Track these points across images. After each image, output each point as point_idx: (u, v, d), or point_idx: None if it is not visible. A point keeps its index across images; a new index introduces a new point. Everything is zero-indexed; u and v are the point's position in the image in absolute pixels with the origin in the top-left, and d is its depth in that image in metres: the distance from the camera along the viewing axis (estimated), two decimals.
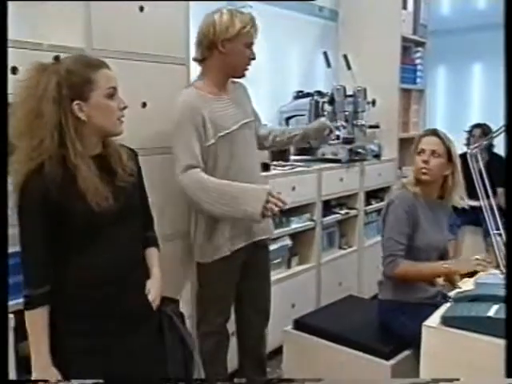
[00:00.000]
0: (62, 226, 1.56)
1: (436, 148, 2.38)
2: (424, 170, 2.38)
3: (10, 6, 1.79)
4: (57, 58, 1.58)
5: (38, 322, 1.58)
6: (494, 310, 1.53)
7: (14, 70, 1.78)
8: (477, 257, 2.12)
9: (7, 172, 1.50)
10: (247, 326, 2.49)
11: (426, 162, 2.37)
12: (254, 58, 2.27)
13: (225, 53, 2.18)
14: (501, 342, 1.45)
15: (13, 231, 1.54)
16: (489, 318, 1.51)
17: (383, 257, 2.35)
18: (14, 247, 1.61)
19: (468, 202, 2.48)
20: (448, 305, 1.69)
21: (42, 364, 1.59)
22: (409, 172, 2.60)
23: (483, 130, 4.42)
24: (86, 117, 1.56)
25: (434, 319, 1.63)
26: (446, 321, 1.58)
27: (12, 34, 1.99)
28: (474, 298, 1.63)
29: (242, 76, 2.31)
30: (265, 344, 2.58)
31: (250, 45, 2.24)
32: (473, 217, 3.64)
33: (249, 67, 2.29)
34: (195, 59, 2.27)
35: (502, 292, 1.59)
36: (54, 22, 1.98)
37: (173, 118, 2.14)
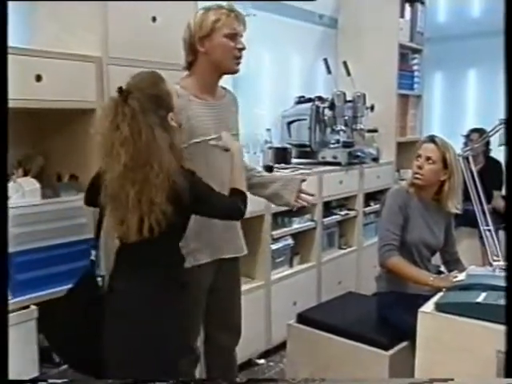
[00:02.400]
0: None
1: (431, 155, 2.47)
2: (417, 175, 2.49)
3: (34, 18, 1.92)
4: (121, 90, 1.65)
5: None
6: (482, 297, 1.65)
7: (39, 78, 1.91)
8: (456, 275, 2.17)
9: (7, 172, 1.59)
10: (216, 345, 2.26)
11: (419, 167, 2.48)
12: (243, 48, 2.05)
13: (206, 52, 2.02)
14: (488, 325, 1.59)
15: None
16: (477, 303, 1.63)
17: (379, 247, 2.46)
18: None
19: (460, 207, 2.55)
20: (441, 293, 1.81)
21: None
22: (407, 174, 2.70)
23: (480, 134, 4.48)
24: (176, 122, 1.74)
25: (429, 306, 1.75)
26: (440, 307, 1.71)
27: (36, 44, 2.15)
28: (464, 287, 1.76)
29: (235, 71, 2.09)
30: (235, 363, 2.35)
31: (232, 35, 2.02)
32: (469, 218, 3.72)
33: (239, 60, 2.06)
34: (183, 67, 2.11)
35: (489, 281, 1.72)
36: (73, 32, 2.11)
37: None
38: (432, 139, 2.52)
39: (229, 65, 2.05)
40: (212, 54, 2.02)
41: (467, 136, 4.45)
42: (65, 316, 1.85)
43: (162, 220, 1.62)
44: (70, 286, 1.93)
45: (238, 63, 2.07)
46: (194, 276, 1.97)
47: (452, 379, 1.50)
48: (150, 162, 1.59)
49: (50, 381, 2.08)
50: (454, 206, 2.52)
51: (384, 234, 2.46)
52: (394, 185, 2.66)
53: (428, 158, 2.47)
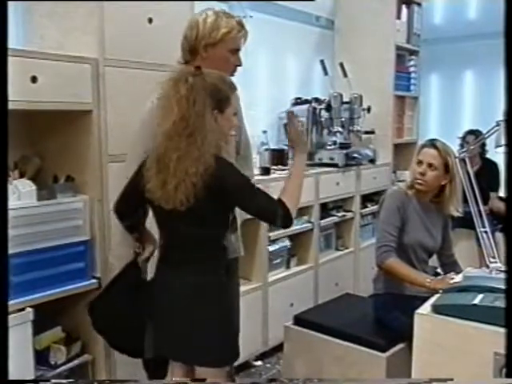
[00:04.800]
0: None
1: (433, 161, 2.45)
2: (420, 181, 2.48)
3: (31, 19, 1.92)
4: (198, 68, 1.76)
5: None
6: (479, 299, 1.65)
7: (35, 80, 1.90)
8: (453, 276, 2.18)
9: (8, 173, 1.60)
10: None
11: (422, 174, 2.47)
12: (239, 65, 2.10)
13: (206, 58, 2.02)
14: (485, 327, 1.59)
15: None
16: (474, 305, 1.63)
17: (376, 248, 2.45)
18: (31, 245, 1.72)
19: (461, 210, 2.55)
20: (438, 295, 1.81)
21: None
22: (403, 176, 2.69)
23: (476, 136, 4.49)
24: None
25: (426, 307, 1.75)
26: (436, 308, 1.71)
27: (32, 45, 2.14)
28: (461, 289, 1.76)
29: None
30: (231, 368, 2.30)
31: (235, 51, 2.07)
32: (466, 220, 3.73)
33: (234, 74, 2.11)
34: (179, 62, 2.10)
35: (486, 283, 1.73)
36: (70, 33, 2.11)
37: (141, 119, 1.97)
38: (433, 144, 2.50)
39: None
40: (211, 63, 1.99)
41: (463, 138, 4.46)
42: (111, 302, 1.91)
43: (191, 194, 1.67)
44: (66, 287, 1.94)
45: (232, 76, 2.07)
46: None
47: (452, 379, 1.51)
48: (195, 133, 1.69)
49: (53, 381, 2.08)
50: (455, 209, 2.51)
51: (381, 236, 2.45)
52: (391, 186, 2.64)
53: (430, 165, 2.46)
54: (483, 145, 4.25)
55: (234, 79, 1.90)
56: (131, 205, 1.86)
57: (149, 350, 1.89)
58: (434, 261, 2.72)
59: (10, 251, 1.83)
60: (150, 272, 1.92)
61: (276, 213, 1.77)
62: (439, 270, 2.71)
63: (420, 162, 2.50)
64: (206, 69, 1.77)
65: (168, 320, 1.81)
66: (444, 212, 2.59)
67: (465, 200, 2.40)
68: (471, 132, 4.57)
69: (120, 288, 1.90)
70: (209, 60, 2.01)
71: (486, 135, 2.11)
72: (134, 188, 1.80)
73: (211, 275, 1.80)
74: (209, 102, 1.71)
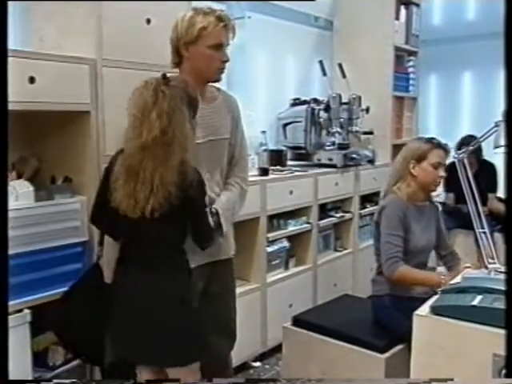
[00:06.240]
0: None
1: (445, 162, 2.51)
2: (438, 183, 2.53)
3: (28, 20, 1.91)
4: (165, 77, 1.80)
5: None
6: (477, 300, 1.65)
7: (32, 80, 1.90)
8: (467, 265, 2.23)
9: (7, 173, 1.60)
10: (210, 349, 2.15)
11: (442, 177, 2.51)
12: (226, 61, 2.04)
13: (189, 58, 2.00)
14: (484, 328, 1.58)
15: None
16: (473, 306, 1.63)
17: (383, 261, 2.43)
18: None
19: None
20: (437, 296, 1.81)
21: None
22: None
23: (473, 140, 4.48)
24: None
25: (424, 308, 1.75)
26: (435, 310, 1.70)
27: (30, 46, 2.14)
28: (460, 290, 1.75)
29: (216, 80, 2.10)
30: (230, 370, 2.37)
31: (218, 46, 2.00)
32: (464, 220, 3.73)
33: (222, 70, 2.06)
34: (171, 66, 2.09)
35: (485, 284, 1.72)
36: (68, 33, 2.10)
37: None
38: (445, 147, 2.53)
39: (211, 75, 2.05)
40: (195, 62, 2.00)
41: (460, 142, 4.45)
42: (73, 309, 1.92)
43: (165, 202, 1.72)
44: (64, 289, 1.94)
45: (221, 73, 2.07)
46: None
47: (452, 379, 1.51)
48: (174, 143, 1.72)
49: (55, 381, 2.07)
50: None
51: (387, 248, 2.43)
52: (384, 189, 2.62)
53: (444, 165, 2.50)
54: (479, 147, 4.25)
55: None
56: (104, 214, 1.88)
57: (110, 355, 1.91)
58: (432, 262, 2.72)
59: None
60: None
61: (212, 238, 1.93)
62: (438, 270, 2.71)
63: (438, 165, 2.48)
64: (175, 74, 1.83)
65: (129, 322, 1.83)
66: (432, 202, 2.64)
67: (463, 201, 2.41)
68: (468, 137, 4.56)
69: (81, 291, 1.93)
70: (192, 59, 2.00)
71: (485, 136, 2.11)
72: (103, 198, 1.83)
73: (170, 277, 1.84)
74: (186, 112, 1.76)
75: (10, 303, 1.85)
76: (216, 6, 2.36)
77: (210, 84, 2.14)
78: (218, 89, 2.18)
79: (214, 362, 2.20)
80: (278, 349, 3.05)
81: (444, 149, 2.52)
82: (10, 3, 1.33)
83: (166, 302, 1.82)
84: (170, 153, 1.72)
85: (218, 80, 2.10)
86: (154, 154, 1.71)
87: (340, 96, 3.83)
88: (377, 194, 4.07)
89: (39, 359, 2.12)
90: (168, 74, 1.83)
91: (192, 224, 1.87)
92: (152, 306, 1.81)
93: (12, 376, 1.80)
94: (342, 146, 3.82)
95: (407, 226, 2.47)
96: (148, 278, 1.82)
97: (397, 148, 4.31)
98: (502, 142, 1.89)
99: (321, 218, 3.60)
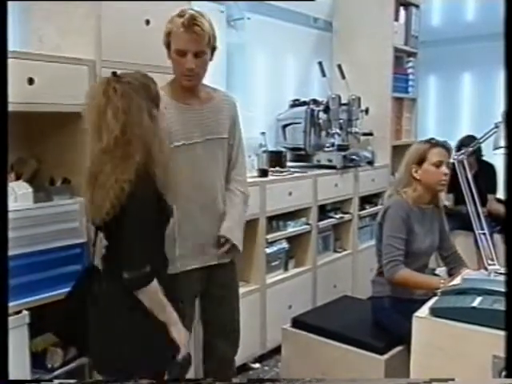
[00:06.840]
0: None
1: (447, 160, 2.47)
2: (444, 182, 2.49)
3: (28, 20, 1.91)
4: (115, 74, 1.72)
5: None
6: (477, 302, 1.65)
7: (31, 81, 1.89)
8: (467, 271, 2.20)
9: (7, 173, 1.59)
10: (213, 353, 2.23)
11: (447, 174, 2.47)
12: (189, 69, 1.97)
13: (171, 61, 2.02)
14: (484, 330, 1.58)
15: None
16: (473, 308, 1.62)
17: (384, 263, 2.43)
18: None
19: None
20: (436, 298, 1.81)
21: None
22: None
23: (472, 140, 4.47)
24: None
25: (424, 310, 1.74)
26: (435, 311, 1.70)
27: (29, 46, 2.13)
28: (459, 291, 1.75)
29: (184, 86, 2.05)
30: (234, 371, 2.36)
31: (179, 52, 1.96)
32: (464, 222, 3.73)
33: (189, 78, 2.00)
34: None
35: (485, 285, 1.72)
36: (67, 35, 2.10)
37: None
38: (444, 145, 2.52)
39: (179, 79, 2.03)
40: (172, 64, 2.02)
41: (460, 143, 4.45)
42: (71, 312, 1.88)
43: (117, 202, 1.61)
44: (63, 290, 1.93)
45: (188, 80, 2.01)
46: (177, 282, 1.95)
47: (453, 379, 1.50)
48: (133, 141, 1.63)
49: (56, 381, 2.07)
50: (444, 198, 2.56)
51: (388, 251, 2.42)
52: (389, 187, 2.62)
53: (447, 164, 2.47)
54: (479, 148, 4.25)
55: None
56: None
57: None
58: (433, 262, 2.72)
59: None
60: None
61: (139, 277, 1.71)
62: (437, 272, 2.71)
63: (441, 163, 2.47)
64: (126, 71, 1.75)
65: (91, 331, 1.80)
66: (438, 205, 2.61)
67: (463, 202, 2.41)
68: (467, 138, 4.57)
69: (80, 292, 1.89)
70: (172, 62, 2.02)
71: (485, 137, 2.11)
72: None
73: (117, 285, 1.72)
74: (144, 105, 1.67)
75: (9, 304, 1.85)
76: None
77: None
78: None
79: (217, 364, 2.24)
80: (277, 350, 3.04)
81: (443, 146, 2.51)
82: (9, 3, 1.32)
83: (114, 310, 1.75)
84: (131, 151, 1.63)
85: (186, 86, 2.04)
86: (114, 155, 1.64)
87: (339, 97, 3.82)
88: (376, 195, 4.11)
89: (37, 361, 2.11)
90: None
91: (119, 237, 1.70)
92: (105, 312, 1.76)
93: (10, 378, 1.80)
94: (341, 147, 3.82)
95: (410, 227, 2.46)
96: (105, 284, 1.78)
97: (396, 149, 4.33)
98: (502, 143, 1.89)
99: (320, 219, 3.60)
